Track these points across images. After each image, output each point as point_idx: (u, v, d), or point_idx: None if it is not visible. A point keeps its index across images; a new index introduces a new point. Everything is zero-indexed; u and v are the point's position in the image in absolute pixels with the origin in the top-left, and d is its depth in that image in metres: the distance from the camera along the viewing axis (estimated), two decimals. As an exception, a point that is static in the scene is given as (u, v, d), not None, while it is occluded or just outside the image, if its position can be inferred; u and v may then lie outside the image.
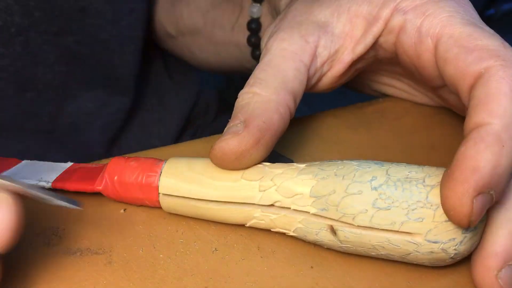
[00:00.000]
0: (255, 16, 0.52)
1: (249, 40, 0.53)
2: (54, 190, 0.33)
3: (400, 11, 0.34)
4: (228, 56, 0.58)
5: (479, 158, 0.25)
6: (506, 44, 0.29)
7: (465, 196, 0.25)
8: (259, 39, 0.52)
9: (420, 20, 0.32)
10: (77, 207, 0.26)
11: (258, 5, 0.51)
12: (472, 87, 0.28)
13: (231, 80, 1.02)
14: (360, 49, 0.36)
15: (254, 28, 0.52)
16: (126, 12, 0.53)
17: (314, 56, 0.35)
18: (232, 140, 0.29)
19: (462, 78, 0.29)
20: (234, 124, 0.31)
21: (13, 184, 0.25)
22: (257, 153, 0.30)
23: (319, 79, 0.37)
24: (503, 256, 0.27)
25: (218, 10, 0.56)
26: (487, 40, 0.29)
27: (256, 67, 0.34)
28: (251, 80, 0.33)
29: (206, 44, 0.59)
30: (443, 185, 0.26)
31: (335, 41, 0.36)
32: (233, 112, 0.32)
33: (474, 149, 0.25)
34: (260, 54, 0.52)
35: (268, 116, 0.31)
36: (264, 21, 0.52)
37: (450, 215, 0.26)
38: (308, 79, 0.35)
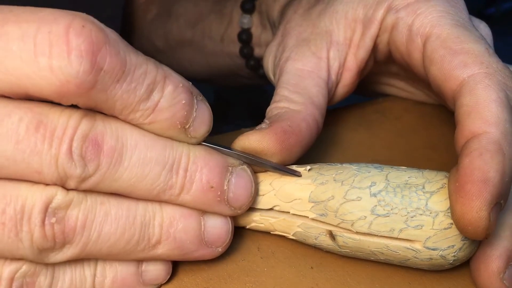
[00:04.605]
0: (245, 26, 0.51)
1: (241, 51, 0.53)
2: None
3: (393, 10, 0.34)
4: (220, 66, 0.57)
5: (488, 169, 0.25)
6: (491, 50, 0.29)
7: (482, 210, 0.25)
8: (251, 50, 0.52)
9: (412, 19, 0.32)
10: (298, 175, 0.29)
11: (249, 16, 0.51)
12: (458, 94, 0.28)
13: (217, 94, 1.01)
14: (362, 53, 0.36)
15: (245, 39, 0.51)
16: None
17: (329, 71, 0.35)
18: (254, 135, 0.29)
19: (445, 80, 0.29)
20: (260, 125, 0.30)
21: (245, 155, 0.28)
22: (280, 157, 0.29)
23: (334, 91, 0.37)
24: (505, 257, 0.27)
25: (206, 21, 0.56)
26: (473, 44, 0.29)
27: (277, 86, 0.34)
28: (276, 97, 0.33)
29: (196, 56, 0.58)
30: (456, 201, 0.25)
31: (341, 49, 0.36)
32: None
33: (480, 160, 0.25)
34: (254, 64, 0.52)
35: (295, 122, 0.30)
36: (255, 31, 0.51)
37: (468, 230, 0.25)
38: (328, 92, 0.35)
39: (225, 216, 0.27)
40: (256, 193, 0.29)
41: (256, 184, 0.28)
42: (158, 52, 0.61)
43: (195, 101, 0.25)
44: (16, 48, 0.21)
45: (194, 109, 0.25)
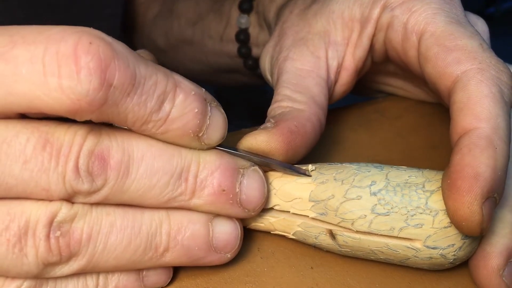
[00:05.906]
0: (243, 26, 0.51)
1: (239, 51, 0.53)
2: None
3: (388, 8, 0.34)
4: (220, 65, 0.57)
5: (478, 164, 0.25)
6: (485, 45, 0.29)
7: (473, 204, 0.25)
8: (249, 50, 0.52)
9: (407, 16, 0.32)
10: (307, 175, 0.29)
11: (246, 16, 0.51)
12: (452, 91, 0.28)
13: (217, 94, 1.01)
14: (360, 53, 0.36)
15: (243, 39, 0.51)
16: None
17: (327, 70, 0.35)
18: (261, 135, 0.28)
19: (440, 78, 0.29)
20: (265, 124, 0.30)
21: (254, 156, 0.28)
22: (285, 157, 0.29)
23: (332, 91, 0.37)
24: (505, 255, 0.27)
25: (206, 20, 0.56)
26: (467, 40, 0.29)
27: (277, 86, 0.34)
28: (278, 97, 0.33)
29: (197, 55, 0.58)
30: (448, 197, 0.25)
31: (339, 49, 0.36)
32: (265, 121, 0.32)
33: (470, 156, 0.25)
34: (252, 63, 0.52)
35: (300, 121, 0.30)
36: (253, 31, 0.51)
37: (462, 226, 0.25)
38: (328, 91, 0.35)
39: (233, 221, 0.27)
40: (268, 194, 0.28)
41: (268, 184, 0.28)
42: (159, 51, 0.61)
43: (209, 108, 0.25)
44: (25, 71, 0.21)
45: (208, 117, 0.25)
